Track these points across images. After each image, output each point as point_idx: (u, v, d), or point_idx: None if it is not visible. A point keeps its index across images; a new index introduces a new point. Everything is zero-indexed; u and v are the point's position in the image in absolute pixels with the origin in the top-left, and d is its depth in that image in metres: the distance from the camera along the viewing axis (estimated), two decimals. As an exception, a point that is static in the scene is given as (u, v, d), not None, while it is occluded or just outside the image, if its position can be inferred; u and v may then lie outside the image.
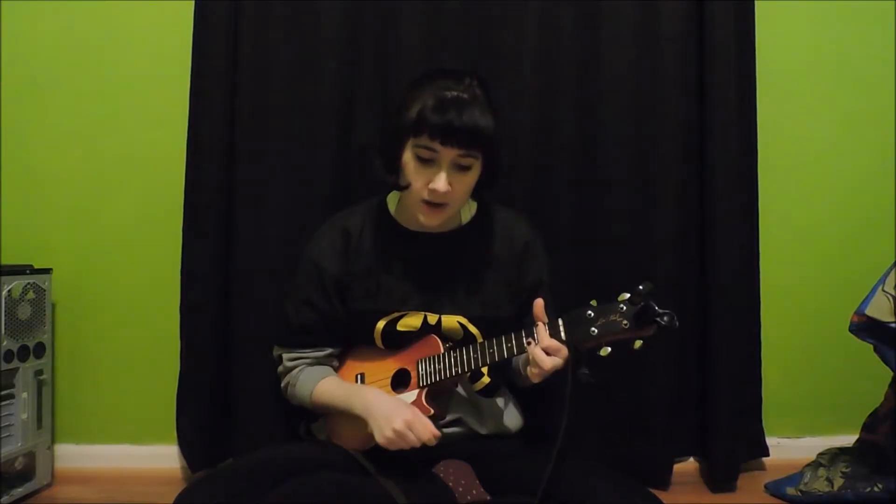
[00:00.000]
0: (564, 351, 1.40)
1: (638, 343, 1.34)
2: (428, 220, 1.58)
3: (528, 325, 1.46)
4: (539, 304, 1.44)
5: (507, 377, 1.71)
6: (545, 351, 1.40)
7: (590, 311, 1.37)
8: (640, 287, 1.32)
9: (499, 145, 1.57)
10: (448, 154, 1.50)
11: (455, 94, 1.49)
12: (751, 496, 2.02)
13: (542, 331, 1.42)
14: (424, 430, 1.45)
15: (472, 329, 1.63)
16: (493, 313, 1.65)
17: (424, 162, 1.52)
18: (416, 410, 1.50)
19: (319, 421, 1.73)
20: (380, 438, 1.47)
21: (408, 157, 1.54)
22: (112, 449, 2.15)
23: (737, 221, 2.08)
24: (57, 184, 2.13)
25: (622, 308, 1.34)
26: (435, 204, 1.55)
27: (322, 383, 1.65)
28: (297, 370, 1.70)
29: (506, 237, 1.70)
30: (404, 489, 1.41)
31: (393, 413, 1.48)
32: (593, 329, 1.36)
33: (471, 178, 1.56)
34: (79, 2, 2.11)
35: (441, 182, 1.51)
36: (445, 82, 1.51)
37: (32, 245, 2.11)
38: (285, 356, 1.72)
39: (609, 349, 1.35)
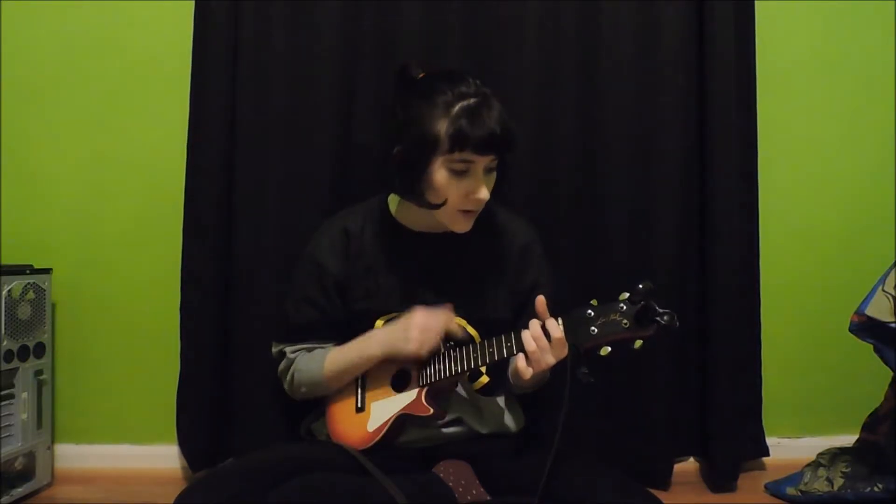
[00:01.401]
0: (565, 350, 1.40)
1: (638, 343, 1.34)
2: (464, 228, 1.60)
3: (526, 325, 1.45)
4: (541, 300, 1.44)
5: (505, 381, 1.71)
6: (550, 340, 1.40)
7: (590, 311, 1.37)
8: (640, 286, 1.32)
9: None
10: (483, 161, 1.51)
11: (475, 100, 1.49)
12: (751, 496, 2.02)
13: (552, 324, 1.41)
14: (436, 317, 1.53)
15: (471, 330, 1.62)
16: (491, 315, 1.65)
17: (459, 174, 1.51)
18: (418, 311, 1.55)
19: (319, 421, 1.73)
20: (412, 349, 1.52)
21: (440, 173, 1.52)
22: (112, 449, 2.15)
23: (737, 221, 2.08)
24: (57, 184, 2.13)
25: (622, 307, 1.34)
26: (471, 211, 1.57)
27: (330, 353, 1.65)
28: (297, 358, 1.71)
29: (506, 238, 1.71)
30: (404, 489, 1.41)
31: (404, 325, 1.55)
32: (593, 328, 1.36)
33: (494, 177, 1.58)
34: (79, 2, 2.11)
35: (485, 192, 1.53)
36: (456, 90, 1.50)
37: (32, 245, 2.11)
38: (287, 349, 1.72)
39: (609, 349, 1.35)
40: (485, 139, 1.47)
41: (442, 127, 1.48)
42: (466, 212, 1.57)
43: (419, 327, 1.52)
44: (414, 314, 1.55)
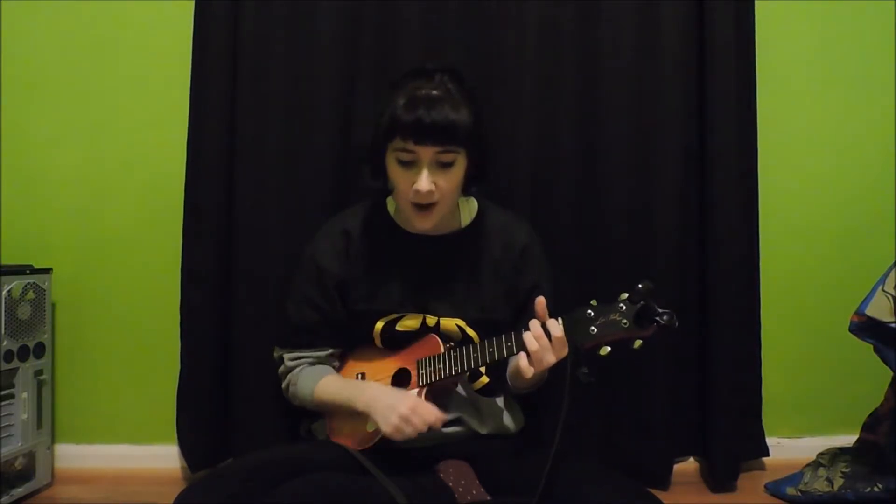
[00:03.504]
0: (566, 350, 1.40)
1: (638, 342, 1.34)
2: (420, 223, 1.58)
3: (526, 326, 1.45)
4: (540, 301, 1.44)
5: (504, 382, 1.71)
6: (551, 339, 1.40)
7: (589, 311, 1.37)
8: (640, 286, 1.32)
9: (480, 137, 1.57)
10: (426, 153, 1.50)
11: (424, 92, 1.50)
12: (751, 496, 2.02)
13: (553, 324, 1.41)
14: (429, 413, 1.47)
15: (470, 332, 1.63)
16: (490, 316, 1.65)
17: (405, 164, 1.52)
18: (418, 397, 1.51)
19: (319, 421, 1.73)
20: (386, 428, 1.48)
21: (390, 161, 1.55)
22: (112, 449, 2.16)
23: (737, 221, 2.08)
24: (57, 184, 2.13)
25: (622, 307, 1.34)
26: (424, 206, 1.55)
27: (323, 381, 1.65)
28: (297, 370, 1.70)
29: (505, 240, 1.70)
30: (404, 489, 1.41)
31: (396, 402, 1.49)
32: (593, 328, 1.36)
33: (456, 174, 1.56)
34: (79, 2, 2.11)
35: (423, 182, 1.51)
36: (416, 82, 1.52)
37: (32, 245, 2.11)
38: (286, 356, 1.72)
39: (609, 349, 1.35)
40: (410, 126, 1.48)
41: (387, 113, 1.52)
42: (419, 206, 1.56)
43: (404, 416, 1.46)
44: (407, 397, 1.51)
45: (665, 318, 1.30)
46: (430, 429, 1.47)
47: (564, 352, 1.40)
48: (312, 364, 1.71)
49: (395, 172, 1.55)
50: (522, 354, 1.42)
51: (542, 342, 1.40)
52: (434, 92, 1.50)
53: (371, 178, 1.62)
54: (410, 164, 1.52)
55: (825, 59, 2.23)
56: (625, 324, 1.33)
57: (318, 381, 1.65)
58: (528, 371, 1.42)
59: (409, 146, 1.50)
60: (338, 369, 1.74)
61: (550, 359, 1.40)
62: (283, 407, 1.86)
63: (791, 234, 2.23)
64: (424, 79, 1.53)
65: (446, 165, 1.53)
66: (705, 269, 2.10)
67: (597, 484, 1.43)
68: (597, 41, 2.07)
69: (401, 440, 1.48)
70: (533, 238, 1.74)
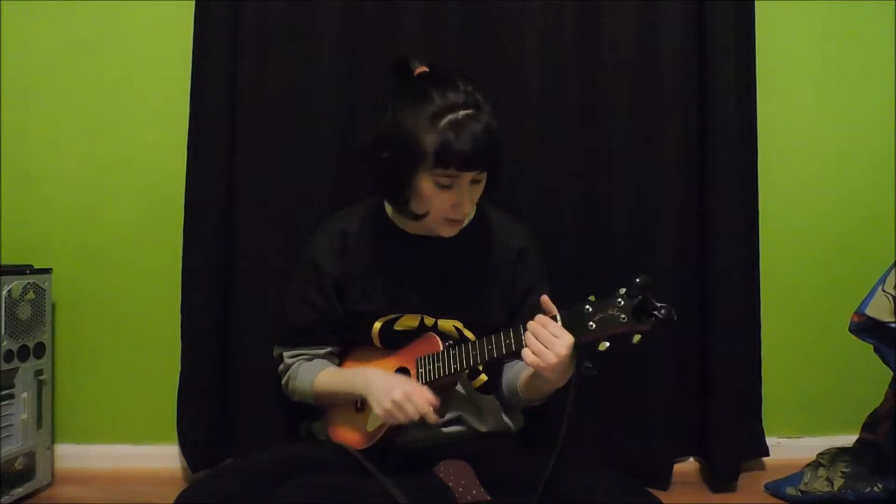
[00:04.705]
0: (570, 338, 1.36)
1: (636, 337, 1.32)
2: (450, 233, 1.60)
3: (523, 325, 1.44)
4: (545, 298, 1.43)
5: (503, 389, 1.70)
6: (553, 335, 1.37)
7: (588, 306, 1.36)
8: (637, 280, 1.30)
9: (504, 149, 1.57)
10: (467, 176, 1.50)
11: (463, 112, 1.46)
12: (751, 496, 2.02)
13: (540, 317, 1.40)
14: (423, 401, 1.46)
15: (467, 333, 1.62)
16: (487, 317, 1.65)
17: (444, 187, 1.51)
18: (416, 384, 1.51)
19: (319, 421, 1.73)
20: (378, 410, 1.48)
21: (426, 185, 1.52)
22: (112, 449, 2.16)
23: (737, 221, 2.08)
24: (57, 184, 2.13)
25: (620, 302, 1.32)
26: (456, 219, 1.57)
27: (322, 374, 1.66)
28: (295, 365, 1.71)
29: (502, 242, 1.70)
30: (404, 489, 1.41)
31: (392, 385, 1.49)
32: (591, 323, 1.34)
33: (483, 186, 1.58)
34: (79, 2, 2.12)
35: (468, 206, 1.54)
36: (444, 99, 1.48)
37: (32, 245, 2.11)
38: (286, 354, 1.73)
39: (607, 344, 1.34)
40: (470, 157, 1.46)
41: (427, 140, 1.47)
42: (450, 220, 1.57)
43: (398, 401, 1.46)
44: (404, 383, 1.51)
45: (663, 311, 1.29)
46: (424, 419, 1.47)
47: (568, 338, 1.36)
48: (310, 360, 1.71)
49: (433, 195, 1.52)
50: (527, 351, 1.38)
51: (542, 336, 1.37)
52: (470, 111, 1.47)
53: (395, 202, 1.60)
54: (449, 187, 1.51)
55: (825, 59, 2.23)
56: (623, 318, 1.32)
57: (317, 375, 1.66)
58: (538, 364, 1.37)
59: (451, 172, 1.48)
60: (337, 367, 1.74)
61: (560, 349, 1.35)
62: (283, 407, 1.86)
63: (791, 235, 2.23)
64: (451, 91, 1.49)
65: (478, 181, 1.55)
66: (705, 269, 2.09)
67: (597, 483, 1.42)
68: (597, 41, 2.07)
69: (395, 423, 1.49)
70: (530, 239, 1.74)
